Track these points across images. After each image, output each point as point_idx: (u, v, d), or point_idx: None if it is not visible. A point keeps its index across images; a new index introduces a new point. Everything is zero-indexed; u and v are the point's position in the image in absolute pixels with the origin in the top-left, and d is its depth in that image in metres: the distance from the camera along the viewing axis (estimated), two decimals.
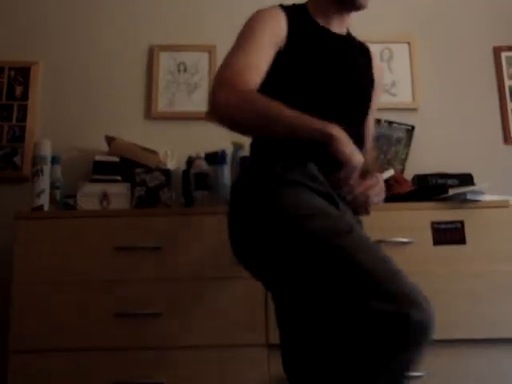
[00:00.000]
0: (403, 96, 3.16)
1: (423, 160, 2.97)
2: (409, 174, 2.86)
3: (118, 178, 2.70)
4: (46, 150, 2.70)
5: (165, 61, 3.19)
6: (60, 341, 2.37)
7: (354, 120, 1.88)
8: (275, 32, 1.80)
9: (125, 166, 2.76)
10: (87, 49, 3.20)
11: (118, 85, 3.16)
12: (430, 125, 3.09)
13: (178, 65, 3.19)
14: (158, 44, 3.20)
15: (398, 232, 2.42)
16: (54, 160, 2.75)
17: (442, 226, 2.45)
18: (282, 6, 1.89)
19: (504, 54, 3.24)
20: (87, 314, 2.38)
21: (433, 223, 2.45)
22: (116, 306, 2.38)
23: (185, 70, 3.18)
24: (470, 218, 2.48)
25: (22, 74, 3.13)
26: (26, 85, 3.12)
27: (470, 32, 3.28)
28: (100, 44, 3.20)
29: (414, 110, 3.13)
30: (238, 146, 2.76)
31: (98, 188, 2.64)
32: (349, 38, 2.02)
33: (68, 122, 3.09)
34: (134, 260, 2.42)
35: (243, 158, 2.69)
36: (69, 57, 3.18)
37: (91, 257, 2.43)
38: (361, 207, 1.77)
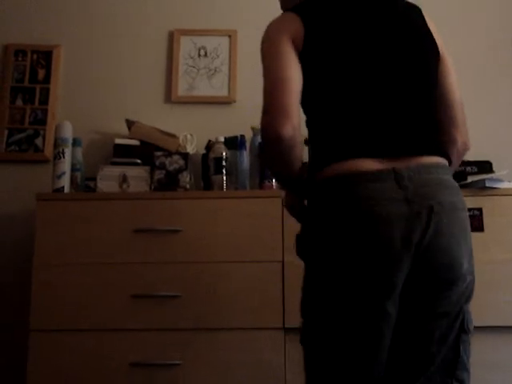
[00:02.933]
0: None
1: None
2: None
3: (138, 161, 2.72)
4: (68, 132, 2.73)
5: (185, 45, 3.19)
6: (78, 321, 2.41)
7: (401, 100, 1.63)
8: (292, 35, 1.63)
9: (145, 149, 2.78)
10: (108, 33, 3.21)
11: (138, 69, 3.17)
12: None
13: (199, 49, 3.19)
14: (179, 28, 3.20)
15: None
16: (75, 142, 2.77)
17: None
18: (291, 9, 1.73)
19: None
20: (106, 295, 2.42)
21: None
22: (135, 287, 2.41)
23: (205, 55, 3.19)
24: (489, 206, 2.47)
25: (44, 58, 3.15)
26: (48, 68, 3.14)
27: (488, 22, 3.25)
28: (121, 28, 3.22)
29: None
30: (257, 132, 2.77)
31: (117, 171, 2.66)
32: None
33: (89, 105, 3.11)
34: (152, 242, 2.45)
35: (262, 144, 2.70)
36: (90, 40, 3.20)
37: (110, 239, 2.46)
38: None
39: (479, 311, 2.35)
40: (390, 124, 1.59)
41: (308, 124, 1.71)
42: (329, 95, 1.64)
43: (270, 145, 1.59)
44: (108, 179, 2.65)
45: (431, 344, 1.55)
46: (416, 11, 1.76)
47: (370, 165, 1.52)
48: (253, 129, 2.78)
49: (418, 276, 1.50)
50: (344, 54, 1.63)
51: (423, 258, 1.48)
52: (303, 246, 1.62)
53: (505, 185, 2.52)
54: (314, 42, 1.63)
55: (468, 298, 1.61)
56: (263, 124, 1.57)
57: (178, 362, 2.36)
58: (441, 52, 1.74)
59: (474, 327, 2.33)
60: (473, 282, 1.60)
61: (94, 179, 2.67)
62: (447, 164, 1.64)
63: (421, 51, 1.68)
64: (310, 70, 1.63)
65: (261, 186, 2.70)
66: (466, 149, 1.79)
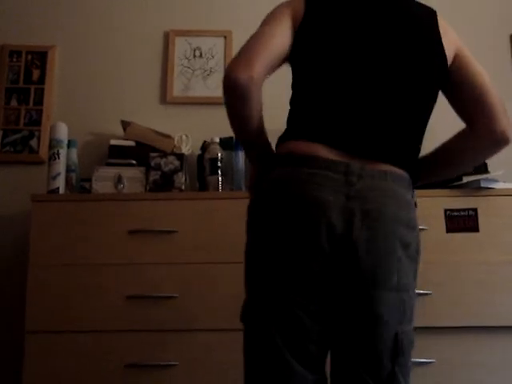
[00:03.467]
0: None
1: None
2: None
3: (133, 162, 2.72)
4: (63, 133, 2.72)
5: (180, 46, 3.20)
6: (74, 322, 2.40)
7: (384, 101, 1.59)
8: (293, 13, 1.64)
9: (140, 150, 2.78)
10: (103, 33, 3.21)
11: (133, 69, 3.17)
12: (445, 112, 3.07)
13: (194, 50, 3.19)
14: (174, 29, 3.20)
15: None
16: (70, 143, 2.77)
17: (456, 214, 2.45)
18: None
19: None
20: (101, 296, 2.41)
21: (446, 210, 2.46)
22: (130, 288, 2.41)
23: (200, 56, 3.19)
24: (484, 206, 2.48)
25: (38, 58, 3.15)
26: (42, 68, 3.14)
27: (486, 20, 3.25)
28: (116, 29, 3.21)
29: None
30: None
31: (113, 172, 2.66)
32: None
33: (84, 106, 3.11)
34: (148, 243, 2.45)
35: None
36: (85, 41, 3.20)
37: (106, 239, 2.45)
38: None
39: (474, 311, 2.37)
40: (366, 123, 1.57)
41: (290, 104, 1.70)
42: (314, 77, 1.62)
43: (224, 90, 1.57)
44: (103, 180, 2.64)
45: (359, 365, 1.48)
46: (428, 14, 1.71)
47: (326, 153, 1.52)
48: None
49: (338, 276, 1.47)
50: (338, 43, 1.61)
51: (345, 255, 1.45)
52: (247, 218, 1.65)
53: (500, 185, 2.52)
54: (309, 26, 1.63)
55: (403, 319, 1.50)
56: (226, 68, 1.58)
57: (174, 363, 2.36)
58: (456, 53, 1.68)
59: (468, 327, 2.36)
60: (408, 302, 1.51)
61: (90, 180, 2.67)
62: (407, 178, 1.59)
63: (420, 58, 1.62)
64: (300, 52, 1.63)
65: None
66: (504, 139, 1.68)
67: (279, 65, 1.64)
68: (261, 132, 1.66)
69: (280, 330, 1.49)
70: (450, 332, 2.32)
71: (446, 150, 1.74)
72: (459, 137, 1.72)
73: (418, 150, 1.66)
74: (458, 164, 1.79)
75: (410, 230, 1.53)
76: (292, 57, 1.65)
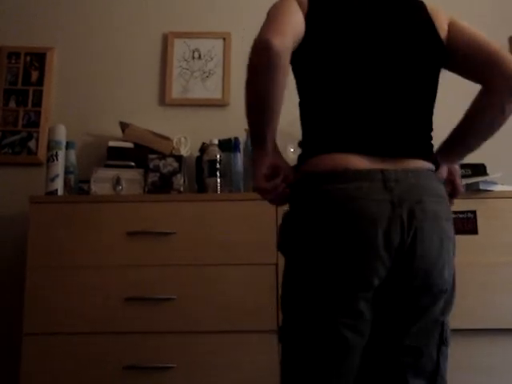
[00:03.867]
0: None
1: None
2: None
3: (132, 163, 2.72)
4: (61, 135, 2.73)
5: (179, 48, 3.19)
6: (72, 324, 2.40)
7: (397, 99, 1.61)
8: (299, 6, 1.62)
9: (138, 152, 2.78)
10: (102, 35, 3.20)
11: (132, 71, 3.17)
12: (444, 114, 3.07)
13: (193, 52, 3.19)
14: (173, 31, 3.19)
15: None
16: (69, 145, 2.77)
17: (454, 216, 2.44)
18: None
19: None
20: (100, 297, 2.41)
21: None
22: (128, 290, 2.40)
23: (199, 57, 3.19)
24: (483, 208, 2.48)
25: (37, 60, 3.14)
26: (41, 70, 3.13)
27: (486, 21, 3.25)
28: (115, 31, 3.21)
29: None
30: None
31: (111, 173, 2.66)
32: None
33: (83, 107, 3.10)
34: (146, 245, 2.44)
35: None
36: (84, 43, 3.19)
37: (104, 241, 2.45)
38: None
39: (474, 313, 2.37)
40: (383, 122, 1.58)
41: (301, 110, 1.69)
42: (323, 83, 1.62)
43: (256, 53, 1.52)
44: (102, 182, 2.64)
45: (406, 355, 1.55)
46: (417, 5, 1.73)
47: (358, 162, 1.52)
48: (247, 131, 2.77)
49: (395, 282, 1.50)
50: (342, 44, 1.61)
51: (402, 263, 1.47)
52: (285, 240, 1.61)
53: (499, 187, 2.53)
54: (314, 24, 1.61)
55: (448, 310, 1.59)
56: (256, 38, 1.52)
57: (172, 365, 2.35)
58: (449, 27, 1.69)
59: (468, 330, 2.36)
60: (452, 293, 1.59)
61: (88, 182, 2.67)
62: (434, 169, 1.63)
63: (419, 48, 1.65)
64: (307, 52, 1.61)
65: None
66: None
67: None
68: (278, 114, 1.58)
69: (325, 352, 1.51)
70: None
71: (468, 118, 1.70)
72: (477, 100, 1.68)
73: (432, 138, 1.69)
74: (481, 129, 1.71)
75: (450, 223, 1.57)
76: (298, 65, 1.64)
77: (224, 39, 3.18)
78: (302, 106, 1.68)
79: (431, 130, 1.69)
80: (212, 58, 3.18)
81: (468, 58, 1.68)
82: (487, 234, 2.45)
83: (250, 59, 1.53)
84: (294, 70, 1.67)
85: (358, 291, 1.48)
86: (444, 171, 1.74)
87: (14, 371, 2.40)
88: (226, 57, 3.15)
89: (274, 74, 1.50)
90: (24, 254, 2.46)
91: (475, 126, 1.70)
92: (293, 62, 1.60)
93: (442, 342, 1.56)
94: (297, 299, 1.55)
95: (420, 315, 1.53)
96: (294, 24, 1.57)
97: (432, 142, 1.68)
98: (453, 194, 1.75)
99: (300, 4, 1.62)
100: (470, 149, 1.74)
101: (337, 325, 1.48)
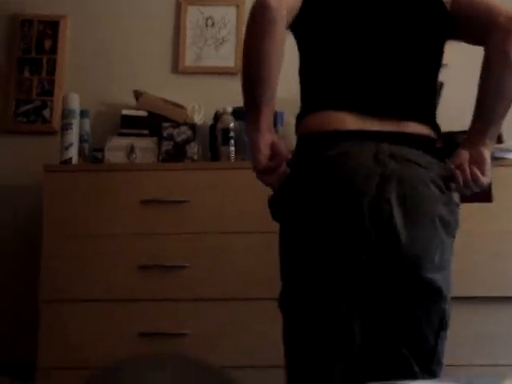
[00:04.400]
0: None
1: (451, 117, 2.93)
2: None
3: (146, 132, 2.72)
4: (75, 103, 2.73)
5: (192, 15, 3.17)
6: (87, 292, 2.43)
7: (396, 64, 1.58)
8: None
9: (152, 120, 2.78)
10: (115, 3, 3.18)
11: (145, 39, 3.15)
12: (459, 81, 3.03)
13: (206, 19, 3.17)
14: None
15: None
16: (83, 114, 2.77)
17: None
18: None
19: None
20: (114, 265, 2.43)
21: None
22: (142, 258, 2.42)
23: (212, 25, 3.16)
24: (497, 176, 2.45)
25: (50, 28, 3.13)
26: (54, 38, 3.12)
27: None
28: None
29: (443, 65, 3.07)
30: None
31: (125, 142, 2.66)
32: None
33: (96, 76, 3.10)
34: (159, 213, 2.46)
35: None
36: (97, 11, 3.17)
37: (118, 210, 2.47)
38: None
39: (488, 281, 2.37)
40: (379, 82, 1.56)
41: (300, 75, 1.67)
42: (320, 47, 1.62)
43: (253, 13, 1.52)
44: (116, 150, 2.65)
45: (405, 345, 1.49)
46: None
47: (348, 121, 1.51)
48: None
49: (384, 264, 1.46)
50: (341, 13, 1.61)
51: (388, 244, 1.44)
52: (278, 207, 1.59)
53: None
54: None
55: (445, 297, 1.51)
56: (254, 2, 1.52)
57: (185, 332, 2.38)
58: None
59: (483, 297, 2.36)
60: (448, 277, 1.53)
61: (102, 150, 2.68)
62: (432, 136, 1.58)
63: (424, 19, 1.62)
64: (307, 17, 1.61)
65: None
66: (509, 15, 1.55)
67: (292, 20, 1.59)
68: (274, 82, 1.54)
69: (320, 321, 1.49)
70: (462, 302, 2.31)
71: (480, 82, 1.60)
72: (483, 61, 1.60)
73: (435, 104, 1.65)
74: (493, 87, 1.58)
75: (448, 205, 1.51)
76: (297, 27, 1.63)
77: (237, 6, 3.15)
78: (301, 70, 1.67)
79: (433, 97, 1.65)
80: (225, 26, 3.16)
81: (470, 20, 1.63)
82: (502, 202, 2.43)
83: (248, 20, 1.54)
84: (295, 37, 1.66)
85: (346, 265, 1.46)
86: (461, 155, 1.58)
87: (31, 338, 2.44)
88: (239, 24, 3.12)
89: (271, 29, 1.49)
90: (39, 222, 2.49)
91: (486, 86, 1.59)
92: (294, 28, 1.61)
93: (442, 328, 1.51)
94: (290, 268, 1.55)
95: (413, 303, 1.48)
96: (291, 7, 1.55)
97: (433, 108, 1.65)
98: (461, 181, 1.56)
99: None
100: (489, 118, 1.60)
101: (330, 296, 1.47)
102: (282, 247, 1.58)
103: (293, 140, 1.65)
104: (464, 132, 2.56)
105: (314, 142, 1.53)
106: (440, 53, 1.67)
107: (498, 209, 2.42)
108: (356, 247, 1.45)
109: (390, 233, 1.44)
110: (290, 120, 2.74)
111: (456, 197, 1.57)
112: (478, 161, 1.56)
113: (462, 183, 1.54)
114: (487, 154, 1.58)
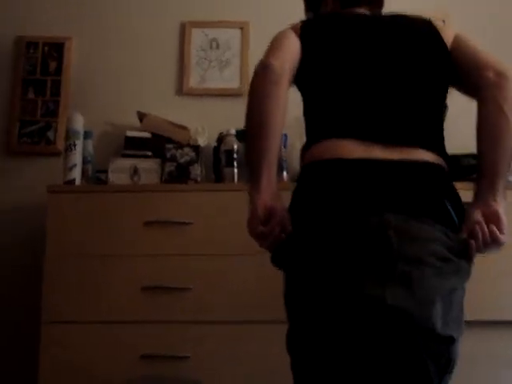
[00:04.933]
0: None
1: (456, 140, 2.92)
2: None
3: (149, 153, 2.72)
4: (79, 124, 2.73)
5: (197, 37, 3.18)
6: (89, 313, 2.41)
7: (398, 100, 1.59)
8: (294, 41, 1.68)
9: (156, 141, 2.78)
10: (119, 25, 3.20)
11: (150, 61, 3.16)
12: (463, 104, 3.03)
13: (210, 41, 3.18)
14: (191, 20, 3.19)
15: None
16: (87, 135, 2.78)
17: None
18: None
19: None
20: (116, 287, 2.42)
21: (465, 204, 2.42)
22: (145, 280, 2.41)
23: (217, 47, 3.18)
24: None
25: (55, 50, 3.15)
26: (59, 60, 3.14)
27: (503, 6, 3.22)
28: (133, 20, 3.20)
29: None
30: None
31: (129, 163, 2.66)
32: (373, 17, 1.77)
33: (100, 97, 3.11)
34: (163, 235, 2.45)
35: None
36: (101, 33, 3.19)
37: (121, 231, 2.46)
38: None
39: (496, 305, 2.34)
40: (383, 112, 1.55)
41: (305, 118, 1.68)
42: (323, 89, 1.63)
43: (257, 74, 1.57)
44: (119, 171, 2.65)
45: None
46: (424, 22, 1.72)
47: (354, 150, 1.48)
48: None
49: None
50: (342, 56, 1.64)
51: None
52: (281, 257, 1.55)
53: None
54: (311, 45, 1.66)
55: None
56: (256, 64, 1.59)
57: (186, 355, 2.36)
58: (453, 39, 1.67)
59: (491, 322, 2.34)
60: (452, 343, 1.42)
61: (105, 171, 2.68)
62: (439, 162, 1.53)
63: (423, 57, 1.64)
64: (307, 67, 1.65)
65: None
66: (501, 73, 1.56)
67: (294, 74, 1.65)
68: (276, 143, 1.54)
69: (329, 366, 1.44)
70: (481, 326, 2.30)
71: (481, 138, 1.57)
72: (479, 117, 1.59)
73: (443, 134, 1.62)
74: (487, 132, 1.56)
75: (445, 241, 1.43)
76: (299, 77, 1.66)
77: (242, 28, 3.17)
78: (306, 111, 1.68)
79: (440, 126, 1.63)
80: (230, 48, 3.17)
81: (461, 74, 1.65)
82: (509, 226, 2.41)
83: (252, 80, 1.58)
84: (297, 85, 1.69)
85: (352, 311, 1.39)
86: (474, 217, 1.49)
87: (32, 359, 2.42)
88: (243, 46, 3.14)
89: (274, 90, 1.53)
90: (42, 243, 2.48)
91: (484, 138, 1.55)
92: (296, 80, 1.65)
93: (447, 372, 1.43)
94: (298, 315, 1.52)
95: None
96: (292, 47, 1.63)
97: (441, 137, 1.62)
98: (474, 243, 1.46)
99: (295, 31, 1.67)
100: (494, 171, 1.52)
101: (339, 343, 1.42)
102: (287, 294, 1.55)
103: (295, 162, 1.65)
104: (469, 155, 2.55)
105: (316, 170, 1.52)
106: (443, 95, 1.67)
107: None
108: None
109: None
110: (294, 142, 2.75)
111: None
112: (493, 220, 1.47)
113: (481, 245, 1.45)
114: (501, 210, 1.49)
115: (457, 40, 1.68)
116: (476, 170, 1.57)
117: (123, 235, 2.46)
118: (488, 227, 1.45)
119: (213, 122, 2.95)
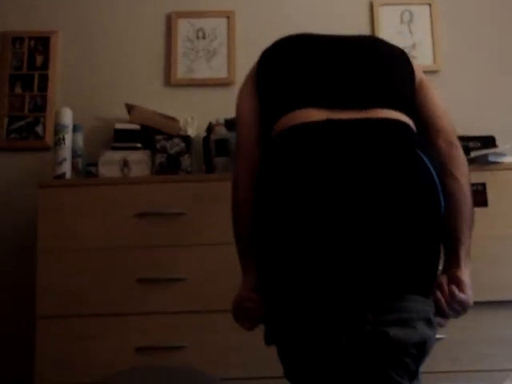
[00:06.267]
0: (424, 59, 3.11)
1: None
2: None
3: (139, 145, 2.72)
4: (67, 118, 2.72)
5: (183, 27, 3.17)
6: (83, 306, 2.41)
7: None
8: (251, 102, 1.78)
9: (145, 133, 2.77)
10: (105, 17, 3.19)
11: (136, 53, 3.15)
12: (452, 87, 3.05)
13: (197, 31, 3.17)
14: (176, 11, 3.18)
15: None
16: (76, 128, 2.77)
17: None
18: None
19: None
20: (110, 280, 2.42)
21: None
22: (139, 272, 2.41)
23: (203, 37, 3.17)
24: (492, 180, 2.46)
25: (41, 44, 3.13)
26: (46, 54, 3.12)
27: None
28: (118, 12, 3.19)
29: (435, 72, 3.09)
30: None
31: (118, 156, 2.65)
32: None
33: (88, 90, 3.10)
34: (155, 226, 2.45)
35: None
36: (87, 25, 3.18)
37: (113, 224, 2.46)
38: None
39: (482, 286, 2.36)
40: (344, 82, 1.63)
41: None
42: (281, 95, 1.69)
43: (232, 187, 1.82)
44: (109, 164, 2.64)
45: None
46: (398, 50, 1.79)
47: (317, 115, 1.54)
48: None
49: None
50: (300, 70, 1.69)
51: None
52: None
53: (508, 159, 2.51)
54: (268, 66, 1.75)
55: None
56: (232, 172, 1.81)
57: (183, 345, 2.37)
58: (419, 79, 1.74)
59: (482, 302, 2.35)
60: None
61: (95, 165, 2.67)
62: (405, 120, 1.59)
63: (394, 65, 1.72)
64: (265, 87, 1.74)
65: None
66: (451, 143, 1.66)
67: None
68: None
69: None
70: None
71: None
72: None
73: (411, 94, 1.69)
74: (454, 202, 1.62)
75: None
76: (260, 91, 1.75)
77: (228, 18, 3.16)
78: (265, 111, 1.74)
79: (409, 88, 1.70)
80: (216, 37, 3.16)
81: (420, 115, 1.69)
82: (497, 207, 2.44)
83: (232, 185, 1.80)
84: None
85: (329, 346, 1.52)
86: (437, 280, 1.59)
87: (28, 354, 2.43)
88: (230, 35, 3.13)
89: (240, 208, 1.76)
90: (34, 238, 2.47)
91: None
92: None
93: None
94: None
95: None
96: (252, 113, 1.75)
97: (407, 96, 1.68)
98: (441, 309, 1.56)
99: (252, 79, 1.78)
100: (455, 237, 1.62)
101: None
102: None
103: None
104: (458, 137, 2.55)
105: (282, 137, 1.58)
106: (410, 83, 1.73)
107: (494, 212, 2.43)
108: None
109: None
110: None
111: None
112: (454, 282, 1.57)
113: (443, 303, 1.55)
114: (464, 276, 1.58)
115: (420, 83, 1.74)
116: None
117: (115, 228, 2.45)
118: (449, 287, 1.56)
119: (202, 112, 2.94)
